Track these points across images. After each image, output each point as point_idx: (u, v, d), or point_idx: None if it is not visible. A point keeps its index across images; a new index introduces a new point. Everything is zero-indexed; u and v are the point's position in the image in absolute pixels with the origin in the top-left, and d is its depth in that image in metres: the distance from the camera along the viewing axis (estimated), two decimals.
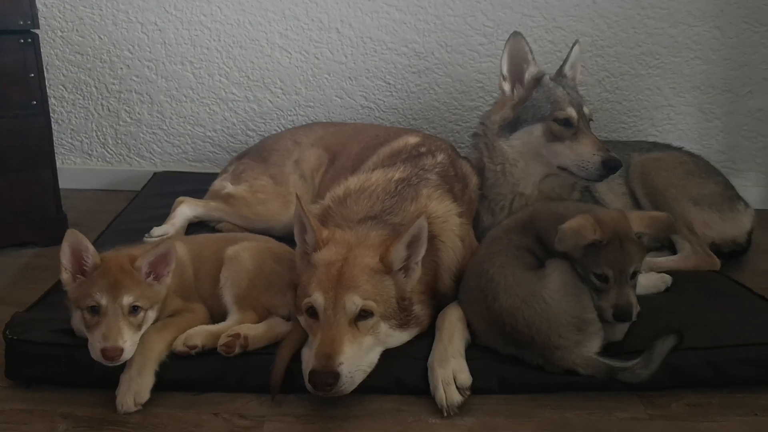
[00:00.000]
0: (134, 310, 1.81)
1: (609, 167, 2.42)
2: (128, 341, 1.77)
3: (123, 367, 1.82)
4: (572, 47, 2.70)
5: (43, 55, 2.95)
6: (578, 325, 1.88)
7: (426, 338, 2.03)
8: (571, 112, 2.51)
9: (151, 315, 1.87)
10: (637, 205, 2.80)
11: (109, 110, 3.82)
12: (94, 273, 1.82)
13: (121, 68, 3.76)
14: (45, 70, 2.97)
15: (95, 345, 1.75)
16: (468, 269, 2.16)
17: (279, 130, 3.63)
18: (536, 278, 1.94)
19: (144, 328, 1.85)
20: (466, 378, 1.89)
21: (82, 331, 1.84)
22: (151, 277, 1.88)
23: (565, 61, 2.68)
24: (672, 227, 2.06)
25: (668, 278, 2.46)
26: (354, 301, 1.85)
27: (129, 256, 1.87)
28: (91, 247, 1.83)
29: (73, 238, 1.82)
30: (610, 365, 1.87)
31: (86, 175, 3.86)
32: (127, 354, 1.77)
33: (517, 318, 1.89)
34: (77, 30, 3.69)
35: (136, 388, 1.80)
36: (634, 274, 1.94)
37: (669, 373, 1.92)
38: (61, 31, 3.69)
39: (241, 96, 3.80)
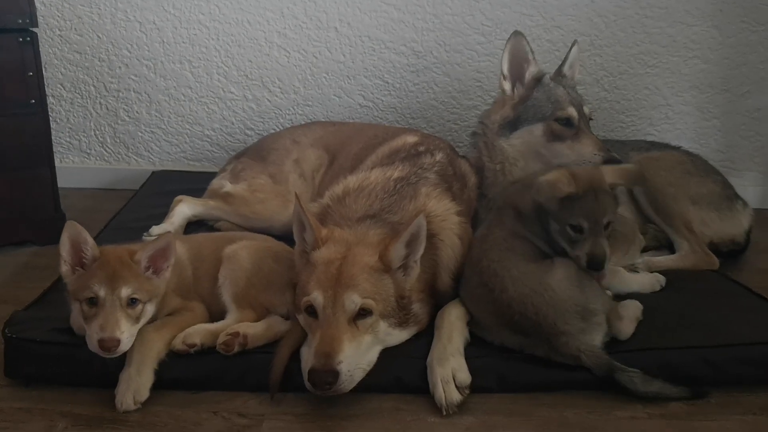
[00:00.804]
0: (132, 302, 1.81)
1: None
2: (125, 333, 1.77)
3: (122, 365, 1.82)
4: (571, 47, 2.72)
5: (41, 54, 2.94)
6: (582, 314, 1.92)
7: (425, 337, 2.03)
8: (572, 111, 2.53)
9: (149, 309, 1.87)
10: (636, 204, 2.80)
11: (107, 109, 3.82)
12: (93, 265, 1.82)
13: (120, 67, 3.75)
14: (43, 68, 2.97)
15: (93, 336, 1.76)
16: (466, 270, 2.16)
17: (277, 129, 3.63)
18: (542, 270, 1.99)
19: (142, 322, 1.85)
20: (465, 377, 1.89)
21: (81, 329, 1.84)
22: (150, 271, 1.88)
23: (564, 61, 2.70)
24: (641, 178, 2.17)
25: (662, 278, 2.45)
26: (353, 300, 1.85)
27: (128, 250, 1.88)
28: (90, 240, 1.83)
29: (72, 230, 1.83)
30: (611, 361, 1.89)
31: (85, 173, 3.85)
32: (124, 346, 1.77)
33: (526, 306, 1.93)
34: (76, 29, 3.69)
35: (135, 386, 1.80)
36: (608, 225, 2.01)
37: (667, 373, 1.92)
38: (59, 29, 3.69)
39: (240, 95, 3.79)
